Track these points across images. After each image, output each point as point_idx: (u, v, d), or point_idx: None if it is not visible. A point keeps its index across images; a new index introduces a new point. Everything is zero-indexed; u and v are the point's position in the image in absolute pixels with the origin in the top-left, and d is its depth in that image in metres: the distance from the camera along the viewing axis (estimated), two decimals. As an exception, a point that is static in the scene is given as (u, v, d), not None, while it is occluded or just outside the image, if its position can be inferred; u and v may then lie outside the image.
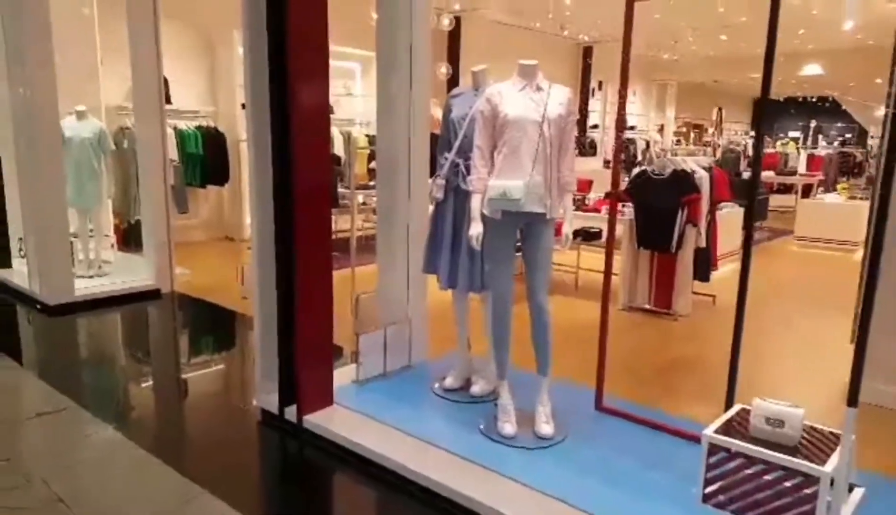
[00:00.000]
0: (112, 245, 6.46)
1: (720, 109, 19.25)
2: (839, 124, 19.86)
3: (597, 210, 6.09)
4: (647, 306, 5.54)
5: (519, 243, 3.11)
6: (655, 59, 15.98)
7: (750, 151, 13.10)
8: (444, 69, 9.56)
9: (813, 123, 16.30)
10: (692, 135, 17.58)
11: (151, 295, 5.70)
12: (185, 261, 6.39)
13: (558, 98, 2.97)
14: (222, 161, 8.11)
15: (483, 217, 2.98)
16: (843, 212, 9.75)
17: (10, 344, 4.64)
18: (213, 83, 8.39)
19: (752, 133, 16.25)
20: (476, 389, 3.53)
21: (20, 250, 6.08)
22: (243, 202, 8.41)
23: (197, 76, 8.14)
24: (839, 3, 9.67)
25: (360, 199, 8.12)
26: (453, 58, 10.50)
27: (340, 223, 8.41)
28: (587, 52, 13.89)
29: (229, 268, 7.26)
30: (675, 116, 17.23)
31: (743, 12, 9.42)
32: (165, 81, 6.43)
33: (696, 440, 2.41)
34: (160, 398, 4.00)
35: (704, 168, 5.62)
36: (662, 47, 14.92)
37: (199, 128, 7.86)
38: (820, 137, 16.17)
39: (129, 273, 5.93)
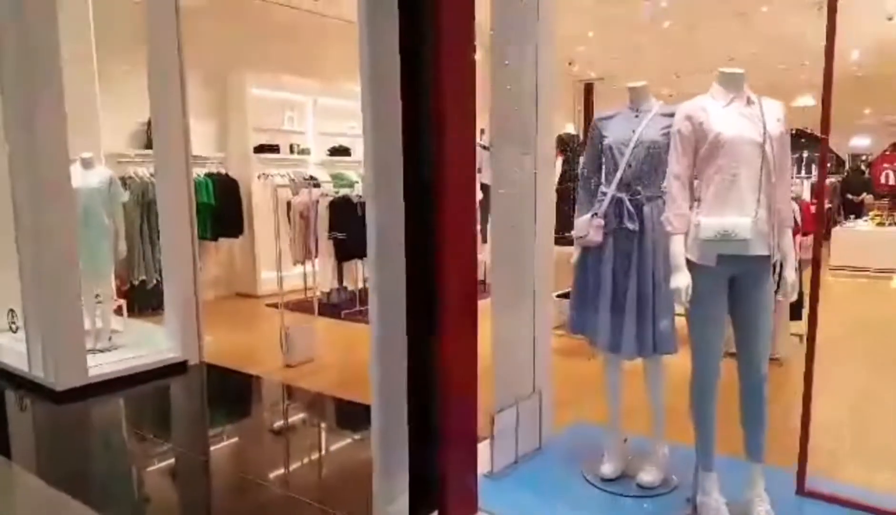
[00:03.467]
0: (121, 312, 5.58)
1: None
2: (815, 153, 20.02)
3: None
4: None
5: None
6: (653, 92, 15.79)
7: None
8: None
9: (805, 154, 16.24)
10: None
11: (177, 369, 4.83)
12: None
13: (774, 113, 2.36)
14: (236, 211, 7.32)
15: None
16: (878, 239, 9.43)
17: (12, 445, 3.76)
18: (223, 127, 7.66)
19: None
20: (646, 478, 2.79)
21: (12, 323, 5.17)
22: (257, 255, 7.62)
23: (205, 119, 7.40)
24: (846, 32, 9.51)
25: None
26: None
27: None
28: (588, 88, 13.60)
29: (256, 331, 6.50)
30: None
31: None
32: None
33: None
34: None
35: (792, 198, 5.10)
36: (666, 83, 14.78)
37: (209, 175, 7.08)
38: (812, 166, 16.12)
39: (146, 344, 5.06)
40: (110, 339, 5.13)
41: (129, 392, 4.46)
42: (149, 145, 6.60)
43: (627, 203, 2.68)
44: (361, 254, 6.59)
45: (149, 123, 6.65)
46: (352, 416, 4.09)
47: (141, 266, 6.48)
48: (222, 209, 7.14)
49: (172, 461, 3.57)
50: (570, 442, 3.26)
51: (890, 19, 8.29)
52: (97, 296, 5.09)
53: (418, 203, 2.44)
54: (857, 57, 10.10)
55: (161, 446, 3.72)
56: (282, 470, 3.43)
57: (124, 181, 6.34)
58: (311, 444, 3.81)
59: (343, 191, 6.89)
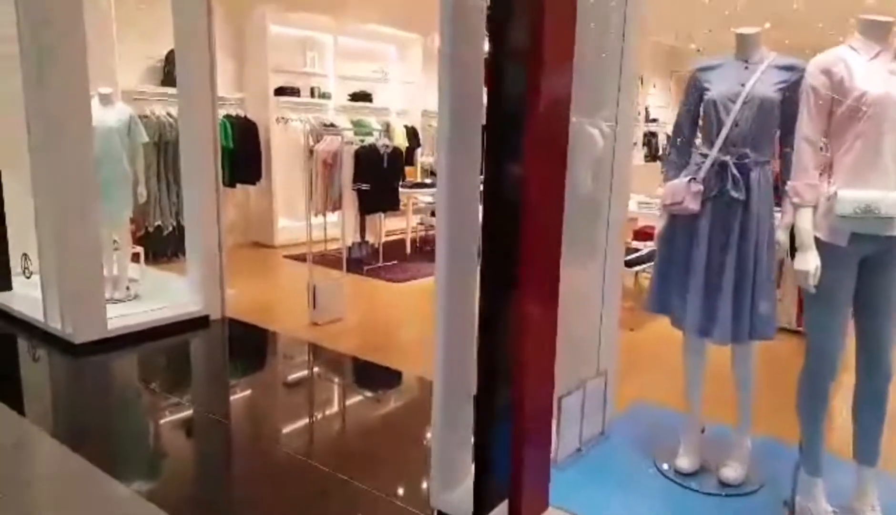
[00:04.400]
0: (139, 259, 5.29)
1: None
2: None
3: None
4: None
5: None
6: (676, 49, 15.19)
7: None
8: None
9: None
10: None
11: (199, 324, 4.57)
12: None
13: None
14: (255, 155, 6.97)
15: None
16: None
17: (26, 398, 3.53)
18: (241, 66, 7.23)
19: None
20: (730, 474, 2.55)
21: (25, 268, 4.90)
22: (275, 203, 7.30)
23: (223, 58, 6.95)
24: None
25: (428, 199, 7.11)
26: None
27: (390, 225, 7.39)
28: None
29: (277, 284, 6.23)
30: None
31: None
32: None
33: None
34: (288, 491, 2.72)
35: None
36: (691, 38, 14.12)
37: (227, 117, 6.70)
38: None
39: (165, 295, 4.80)
40: (128, 288, 4.87)
41: (149, 347, 4.21)
42: (166, 82, 6.25)
43: (732, 167, 2.35)
44: (386, 207, 6.29)
45: (166, 59, 6.29)
46: (390, 384, 3.86)
47: (157, 211, 6.18)
48: (240, 154, 6.78)
49: (203, 426, 3.32)
50: (635, 426, 3.02)
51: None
52: (115, 242, 4.81)
53: (501, 145, 2.11)
54: (822, 26, 9.45)
55: (188, 408, 3.48)
56: (319, 444, 3.19)
57: (141, 120, 5.98)
58: (349, 415, 3.56)
59: (368, 140, 6.52)
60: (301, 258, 6.74)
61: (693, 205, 2.40)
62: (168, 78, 6.22)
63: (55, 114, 3.81)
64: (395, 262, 6.52)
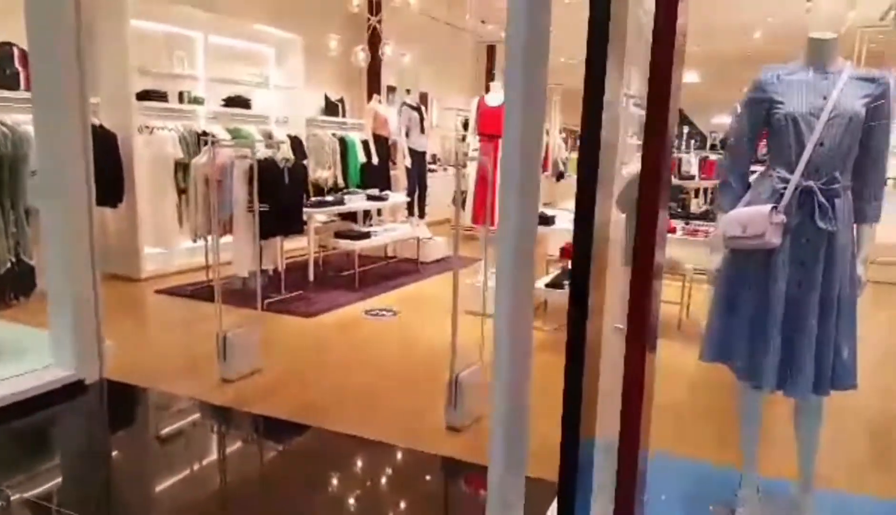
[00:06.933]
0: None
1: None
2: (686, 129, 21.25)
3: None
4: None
5: None
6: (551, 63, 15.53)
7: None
8: (362, 54, 8.05)
9: (686, 129, 16.96)
10: (569, 142, 17.46)
11: (71, 392, 3.52)
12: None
13: None
14: (115, 172, 5.80)
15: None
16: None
17: None
18: (93, 65, 5.99)
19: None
20: (805, 541, 2.23)
21: None
22: (140, 228, 6.15)
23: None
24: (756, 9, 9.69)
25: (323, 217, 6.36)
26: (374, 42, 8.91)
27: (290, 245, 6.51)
28: (490, 50, 12.97)
29: (161, 327, 5.11)
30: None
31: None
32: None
33: None
34: None
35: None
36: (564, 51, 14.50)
37: (80, 125, 5.48)
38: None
39: (18, 357, 3.69)
40: (-39, 350, 3.68)
41: (5, 429, 3.14)
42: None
43: (819, 195, 2.02)
44: (289, 229, 5.52)
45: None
46: (348, 457, 3.14)
47: (7, 242, 4.88)
48: (96, 171, 5.58)
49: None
50: (667, 484, 2.62)
51: (807, 11, 8.45)
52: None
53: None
54: (760, 35, 10.34)
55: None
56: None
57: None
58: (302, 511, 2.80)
59: (264, 153, 5.65)
60: (178, 293, 5.73)
61: (776, 239, 2.03)
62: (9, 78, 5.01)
63: None
64: (300, 292, 5.71)
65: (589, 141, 1.53)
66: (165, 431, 3.48)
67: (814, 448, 2.27)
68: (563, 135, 17.30)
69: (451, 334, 3.14)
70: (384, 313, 5.36)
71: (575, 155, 14.89)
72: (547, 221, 5.01)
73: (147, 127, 6.20)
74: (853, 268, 2.09)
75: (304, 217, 5.79)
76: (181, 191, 6.39)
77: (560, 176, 12.52)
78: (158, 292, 5.80)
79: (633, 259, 1.56)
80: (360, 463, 3.06)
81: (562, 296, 4.59)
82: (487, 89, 12.86)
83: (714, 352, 2.23)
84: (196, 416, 3.56)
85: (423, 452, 3.05)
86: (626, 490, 1.69)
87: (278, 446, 3.34)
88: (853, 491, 2.66)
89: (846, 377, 2.10)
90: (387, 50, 8.35)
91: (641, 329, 1.58)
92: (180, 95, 6.61)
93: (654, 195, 1.50)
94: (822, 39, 2.09)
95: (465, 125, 12.86)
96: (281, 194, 5.30)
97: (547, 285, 4.49)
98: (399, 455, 3.07)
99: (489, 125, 5.72)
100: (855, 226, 2.10)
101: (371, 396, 3.70)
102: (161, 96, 6.31)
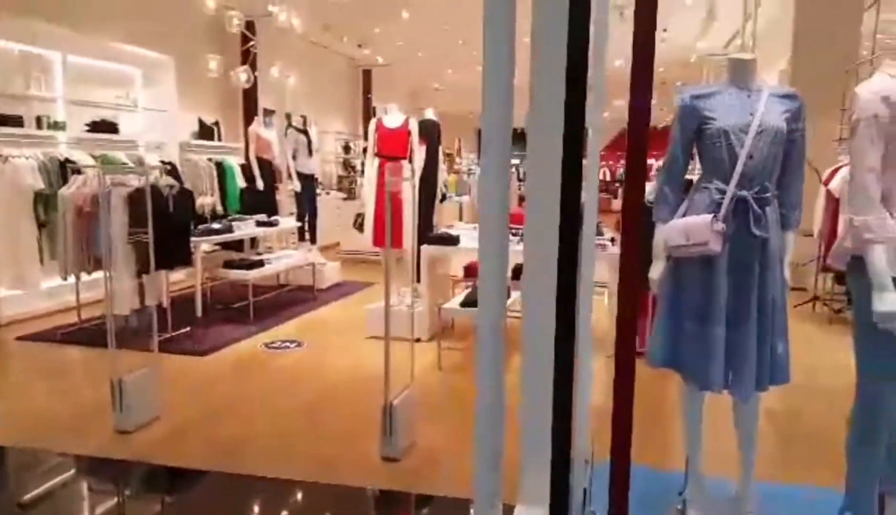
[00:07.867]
0: None
1: (459, 139, 20.13)
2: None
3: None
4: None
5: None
6: (422, 88, 15.79)
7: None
8: (244, 75, 7.77)
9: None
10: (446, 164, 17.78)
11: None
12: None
13: None
14: (-36, 206, 5.08)
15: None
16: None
17: None
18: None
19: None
20: (754, 532, 2.33)
21: None
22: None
23: None
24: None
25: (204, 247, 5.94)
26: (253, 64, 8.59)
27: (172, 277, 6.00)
28: (367, 75, 12.93)
29: (36, 379, 4.44)
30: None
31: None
32: None
33: None
34: None
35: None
36: (433, 77, 14.74)
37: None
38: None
39: None
40: None
41: None
42: None
43: (753, 203, 2.15)
44: (175, 262, 5.11)
45: None
46: (274, 505, 2.90)
47: None
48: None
49: None
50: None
51: (663, 41, 9.23)
52: None
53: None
54: (621, 64, 11.10)
55: None
56: None
57: None
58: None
59: (145, 179, 5.20)
60: (46, 338, 5.12)
61: (717, 246, 2.14)
62: None
63: None
64: (188, 328, 5.28)
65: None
66: (49, 499, 3.03)
67: (753, 439, 2.39)
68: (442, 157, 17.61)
69: (385, 361, 3.01)
70: (287, 344, 5.08)
71: (453, 177, 15.20)
72: (452, 240, 5.00)
73: (1, 155, 5.51)
74: (783, 272, 2.24)
75: (192, 247, 5.38)
76: (41, 225, 5.73)
77: (443, 198, 12.65)
78: (21, 338, 5.13)
79: (620, 281, 1.57)
80: (289, 506, 2.84)
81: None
82: (366, 114, 12.89)
83: (661, 357, 2.30)
84: (87, 474, 3.15)
85: (361, 488, 2.88)
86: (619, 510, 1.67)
87: (192, 497, 3.02)
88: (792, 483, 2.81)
89: (782, 373, 2.24)
90: (273, 71, 8.06)
91: (629, 352, 1.59)
92: (38, 119, 5.95)
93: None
94: (743, 60, 2.24)
95: (346, 149, 12.73)
96: (166, 222, 4.88)
97: (462, 305, 4.46)
98: (331, 494, 2.87)
99: (388, 147, 5.66)
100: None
101: (288, 434, 3.46)
102: (16, 121, 5.64)
